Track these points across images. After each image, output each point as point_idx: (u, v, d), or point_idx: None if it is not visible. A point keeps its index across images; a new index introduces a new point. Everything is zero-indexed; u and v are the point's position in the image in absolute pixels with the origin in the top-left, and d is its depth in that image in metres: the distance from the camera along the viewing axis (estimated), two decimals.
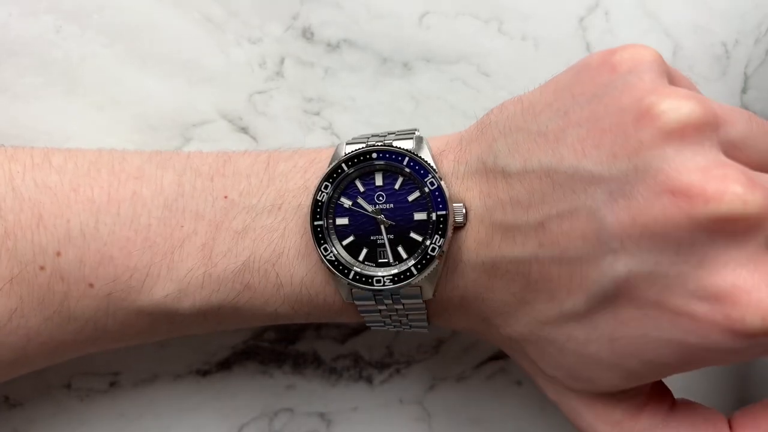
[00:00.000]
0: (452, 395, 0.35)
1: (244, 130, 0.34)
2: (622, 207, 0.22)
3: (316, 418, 0.34)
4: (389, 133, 0.28)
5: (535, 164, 0.24)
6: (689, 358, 0.23)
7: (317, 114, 0.35)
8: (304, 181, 0.27)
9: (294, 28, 0.35)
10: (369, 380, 0.34)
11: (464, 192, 0.26)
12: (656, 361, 0.24)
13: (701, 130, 0.22)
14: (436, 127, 0.35)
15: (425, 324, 0.28)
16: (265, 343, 0.34)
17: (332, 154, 0.28)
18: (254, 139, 0.34)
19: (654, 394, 0.27)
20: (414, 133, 0.27)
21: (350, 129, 0.35)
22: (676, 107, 0.22)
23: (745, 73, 0.35)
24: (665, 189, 0.22)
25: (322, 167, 0.27)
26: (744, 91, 0.35)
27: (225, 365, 0.34)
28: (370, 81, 0.35)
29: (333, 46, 0.35)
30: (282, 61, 0.35)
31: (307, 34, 0.35)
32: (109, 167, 0.27)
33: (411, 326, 0.28)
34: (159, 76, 0.34)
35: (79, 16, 0.34)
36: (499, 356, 0.35)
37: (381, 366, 0.35)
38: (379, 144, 0.27)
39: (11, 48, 0.33)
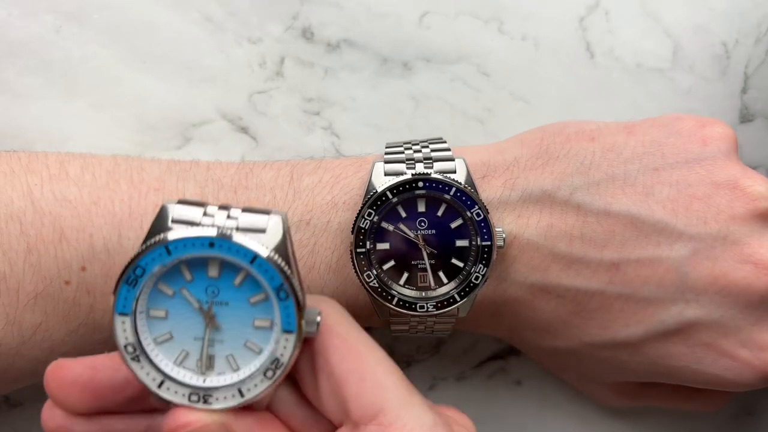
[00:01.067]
0: (452, 395, 0.35)
1: (244, 130, 0.34)
2: (706, 267, 0.26)
3: None
4: (423, 146, 0.28)
5: (622, 210, 0.26)
6: (713, 385, 0.27)
7: (317, 114, 0.35)
8: (332, 197, 0.27)
9: (294, 28, 0.35)
10: None
11: (516, 219, 0.27)
12: (684, 381, 0.27)
13: None
14: (436, 127, 0.35)
15: (448, 331, 0.29)
16: None
17: (358, 167, 0.28)
18: (254, 139, 0.34)
19: None
20: (449, 148, 0.28)
21: (350, 129, 0.35)
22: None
23: (745, 73, 0.35)
24: (750, 260, 0.26)
25: (350, 183, 0.27)
26: (744, 91, 0.35)
27: None
28: (370, 81, 0.35)
29: (333, 46, 0.35)
30: (282, 61, 0.35)
31: (307, 34, 0.35)
32: (127, 178, 0.27)
33: (434, 333, 0.29)
34: (159, 76, 0.34)
35: (79, 16, 0.34)
36: (499, 356, 0.35)
37: None
38: (423, 168, 0.27)
39: (11, 48, 0.33)
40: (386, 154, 0.28)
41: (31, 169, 0.27)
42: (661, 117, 0.28)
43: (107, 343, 0.27)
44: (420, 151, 0.28)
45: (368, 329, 0.34)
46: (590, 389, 0.32)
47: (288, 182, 0.28)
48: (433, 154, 0.27)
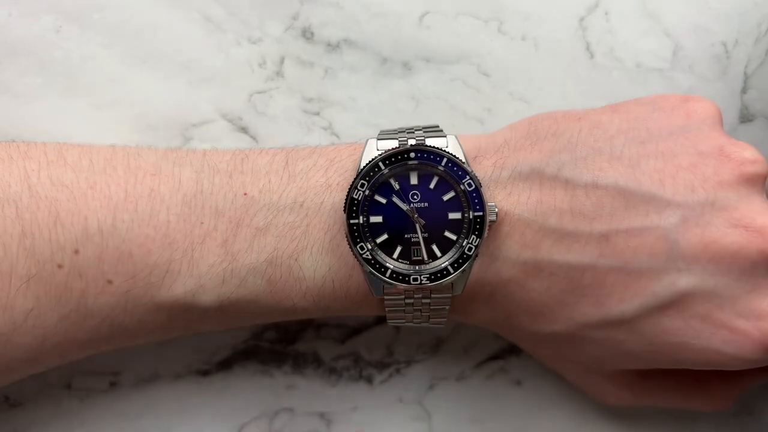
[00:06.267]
0: (452, 395, 0.35)
1: (244, 130, 0.34)
2: (696, 234, 0.26)
3: (316, 418, 0.34)
4: (416, 129, 0.28)
5: (610, 182, 0.26)
6: (714, 363, 0.27)
7: (317, 114, 0.35)
8: (326, 179, 0.28)
9: (294, 28, 0.35)
10: (369, 380, 0.34)
11: (506, 196, 0.27)
12: (684, 361, 0.27)
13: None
14: None
15: (444, 319, 0.29)
16: (265, 343, 0.34)
17: (352, 150, 0.28)
18: (254, 139, 0.34)
19: None
20: (442, 130, 0.28)
21: (350, 129, 0.35)
22: (754, 158, 0.26)
23: (745, 73, 0.35)
24: (740, 224, 0.26)
25: (344, 165, 0.28)
26: (744, 91, 0.35)
27: (225, 365, 0.34)
28: (370, 81, 0.35)
29: (333, 46, 0.35)
30: (282, 61, 0.35)
31: (307, 34, 0.35)
32: (124, 164, 0.27)
33: (430, 321, 0.29)
34: (159, 76, 0.34)
35: (79, 16, 0.34)
36: (499, 356, 0.35)
37: (381, 366, 0.35)
38: (415, 143, 0.27)
39: (11, 48, 0.33)
40: (380, 134, 0.28)
41: (30, 156, 0.27)
42: (645, 96, 0.29)
43: (98, 331, 0.27)
44: (413, 133, 0.28)
45: (368, 326, 0.34)
46: (589, 383, 0.32)
47: (283, 167, 0.28)
48: (426, 134, 0.28)
